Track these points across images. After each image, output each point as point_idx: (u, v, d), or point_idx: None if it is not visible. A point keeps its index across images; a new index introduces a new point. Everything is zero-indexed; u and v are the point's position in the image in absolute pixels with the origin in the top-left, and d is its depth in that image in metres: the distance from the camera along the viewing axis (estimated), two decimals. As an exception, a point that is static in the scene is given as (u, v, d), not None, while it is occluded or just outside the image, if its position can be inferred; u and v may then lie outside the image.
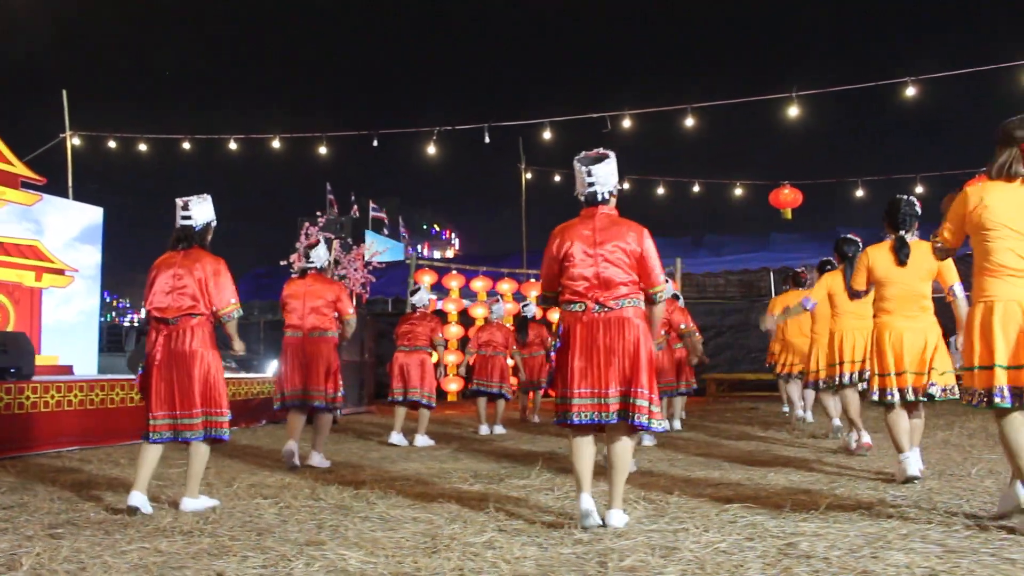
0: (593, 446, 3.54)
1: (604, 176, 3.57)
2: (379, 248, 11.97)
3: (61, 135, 11.93)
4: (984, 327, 3.21)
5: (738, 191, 14.39)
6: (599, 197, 3.56)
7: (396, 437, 7.09)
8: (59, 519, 3.81)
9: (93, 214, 11.05)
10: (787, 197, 12.81)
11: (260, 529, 3.55)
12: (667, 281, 8.10)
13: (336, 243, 10.76)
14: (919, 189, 13.63)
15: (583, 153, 3.62)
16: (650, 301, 3.56)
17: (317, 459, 5.71)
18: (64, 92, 11.80)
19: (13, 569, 2.91)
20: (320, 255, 5.86)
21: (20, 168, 9.21)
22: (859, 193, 13.79)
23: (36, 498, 4.38)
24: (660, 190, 15.00)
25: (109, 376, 8.14)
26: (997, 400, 3.12)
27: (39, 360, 8.28)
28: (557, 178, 14.97)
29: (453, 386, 13.13)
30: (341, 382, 5.85)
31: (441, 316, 13.50)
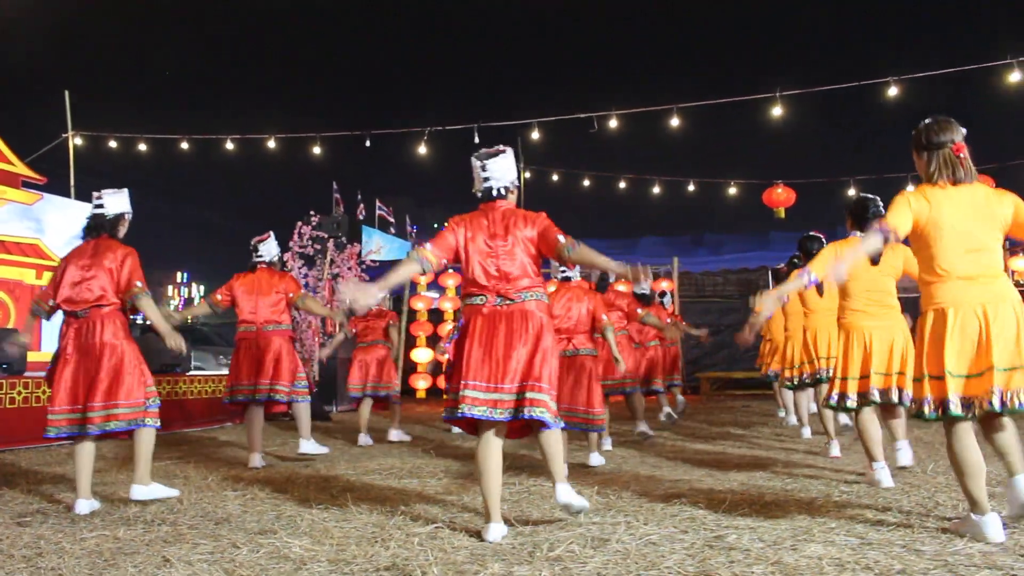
0: (500, 455, 3.32)
1: (500, 171, 3.54)
2: (374, 247, 12.10)
3: (64, 135, 12.17)
4: (935, 335, 3.13)
5: (732, 190, 14.46)
6: (494, 192, 3.52)
7: (364, 439, 7.00)
8: (30, 509, 3.98)
9: (94, 213, 11.24)
10: (780, 196, 12.84)
11: (219, 519, 3.69)
12: (656, 281, 8.19)
13: (331, 242, 10.90)
14: (910, 188, 13.59)
15: (482, 150, 3.62)
16: (565, 260, 3.41)
17: (308, 446, 5.71)
18: (66, 93, 12.03)
19: (-25, 554, 3.06)
20: (270, 249, 5.85)
21: (20, 168, 9.42)
22: (852, 192, 13.83)
23: (14, 490, 4.56)
24: (656, 189, 15.08)
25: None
26: (952, 410, 3.04)
27: (39, 357, 8.47)
28: (555, 177, 15.12)
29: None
30: (302, 373, 5.75)
31: (438, 314, 13.68)
